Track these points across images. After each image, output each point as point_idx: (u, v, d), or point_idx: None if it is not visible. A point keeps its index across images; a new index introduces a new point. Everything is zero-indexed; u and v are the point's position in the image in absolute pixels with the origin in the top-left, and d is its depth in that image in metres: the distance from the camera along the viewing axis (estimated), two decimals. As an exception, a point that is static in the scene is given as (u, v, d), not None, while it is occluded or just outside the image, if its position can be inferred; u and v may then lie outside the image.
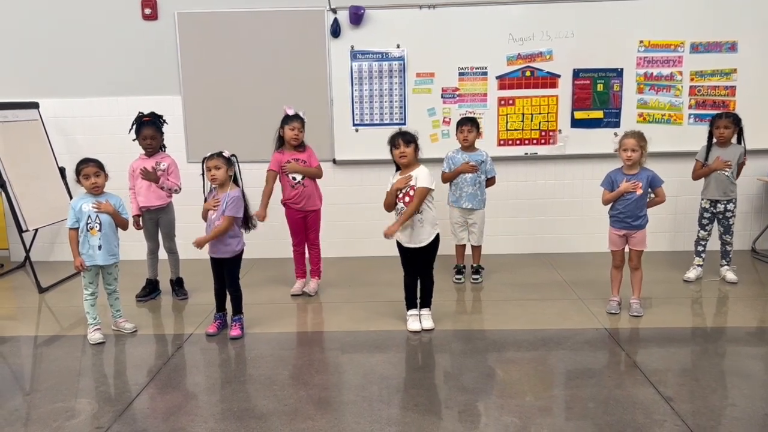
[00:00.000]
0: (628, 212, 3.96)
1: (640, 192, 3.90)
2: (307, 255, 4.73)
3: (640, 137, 3.90)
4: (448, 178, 4.75)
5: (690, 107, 5.41)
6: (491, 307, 4.43)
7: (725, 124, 4.52)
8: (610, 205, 4.06)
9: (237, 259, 3.89)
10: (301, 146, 4.51)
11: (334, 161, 5.58)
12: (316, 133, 4.93)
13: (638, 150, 3.87)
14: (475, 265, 4.96)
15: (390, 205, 3.82)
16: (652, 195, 4.04)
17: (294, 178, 4.48)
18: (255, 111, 5.48)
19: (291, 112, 4.48)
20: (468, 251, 4.96)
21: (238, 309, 3.94)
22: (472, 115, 5.11)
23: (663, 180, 4.01)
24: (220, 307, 4.00)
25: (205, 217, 3.86)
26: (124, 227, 3.93)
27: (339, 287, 4.84)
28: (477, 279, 4.91)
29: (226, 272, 3.89)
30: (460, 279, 4.92)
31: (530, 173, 5.60)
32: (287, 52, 5.46)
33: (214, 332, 3.92)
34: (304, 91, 5.41)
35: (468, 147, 4.70)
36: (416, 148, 3.75)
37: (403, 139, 3.73)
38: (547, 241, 5.69)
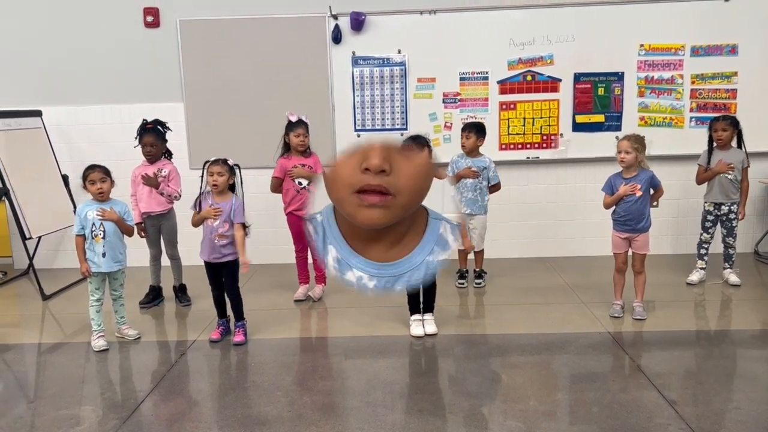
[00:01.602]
0: (629, 215, 3.96)
1: (639, 194, 3.90)
2: (311, 260, 4.74)
3: (634, 139, 3.91)
4: (451, 182, 4.76)
5: (691, 110, 5.41)
6: (494, 311, 4.43)
7: (723, 127, 4.53)
8: (612, 209, 4.07)
9: (235, 263, 3.88)
10: (306, 152, 4.53)
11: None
12: (319, 139, 4.95)
13: (632, 152, 3.87)
14: (477, 269, 4.96)
15: None
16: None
17: (300, 183, 4.49)
18: (257, 117, 5.50)
19: (294, 118, 4.50)
20: (471, 255, 4.96)
21: (240, 315, 3.94)
22: (477, 120, 5.09)
23: (660, 181, 4.00)
24: (222, 313, 4.00)
25: (198, 223, 3.84)
26: (130, 234, 3.94)
27: (342, 292, 4.85)
28: (480, 283, 4.92)
29: (226, 277, 3.89)
30: (462, 283, 4.92)
31: (532, 177, 5.62)
32: (289, 58, 5.48)
33: (218, 338, 3.92)
34: (305, 97, 5.43)
35: (470, 152, 4.71)
36: None
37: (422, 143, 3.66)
38: (550, 245, 5.69)
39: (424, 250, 0.95)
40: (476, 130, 4.66)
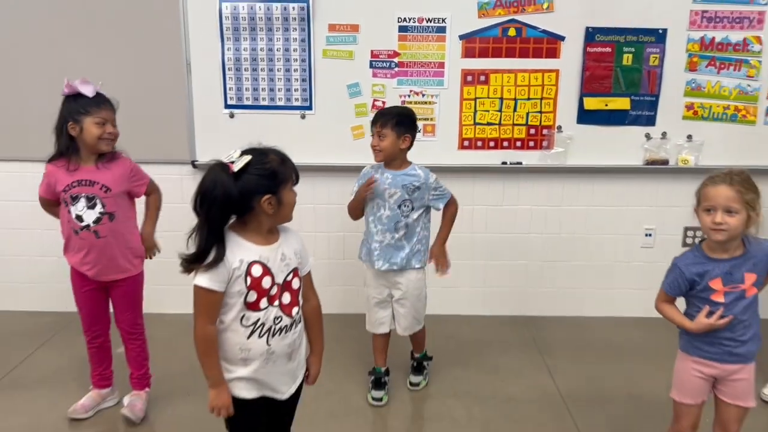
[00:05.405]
0: (728, 327, 1.89)
1: (751, 294, 1.87)
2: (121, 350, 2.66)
3: (743, 182, 1.81)
4: (354, 209, 2.69)
5: (769, 96, 3.38)
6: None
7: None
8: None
9: None
10: (106, 155, 2.39)
11: (194, 164, 3.43)
12: (163, 120, 2.95)
13: (740, 211, 1.79)
14: (417, 355, 2.91)
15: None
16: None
17: (80, 219, 2.37)
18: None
19: (89, 90, 2.33)
20: (402, 333, 2.85)
21: None
22: (404, 105, 3.19)
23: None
24: None
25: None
26: None
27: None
28: (418, 383, 2.88)
29: None
30: (379, 399, 2.78)
31: (510, 194, 3.55)
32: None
33: None
34: (142, 54, 3.27)
35: (389, 160, 2.61)
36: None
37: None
38: (533, 300, 3.67)
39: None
40: (396, 122, 2.53)
